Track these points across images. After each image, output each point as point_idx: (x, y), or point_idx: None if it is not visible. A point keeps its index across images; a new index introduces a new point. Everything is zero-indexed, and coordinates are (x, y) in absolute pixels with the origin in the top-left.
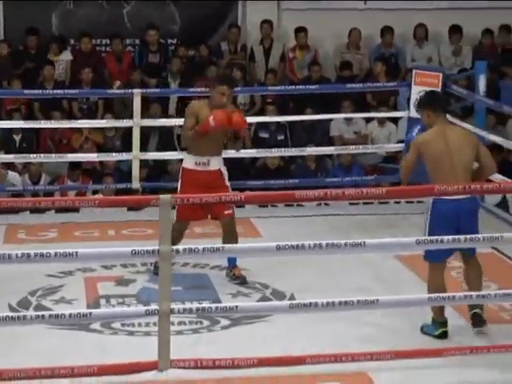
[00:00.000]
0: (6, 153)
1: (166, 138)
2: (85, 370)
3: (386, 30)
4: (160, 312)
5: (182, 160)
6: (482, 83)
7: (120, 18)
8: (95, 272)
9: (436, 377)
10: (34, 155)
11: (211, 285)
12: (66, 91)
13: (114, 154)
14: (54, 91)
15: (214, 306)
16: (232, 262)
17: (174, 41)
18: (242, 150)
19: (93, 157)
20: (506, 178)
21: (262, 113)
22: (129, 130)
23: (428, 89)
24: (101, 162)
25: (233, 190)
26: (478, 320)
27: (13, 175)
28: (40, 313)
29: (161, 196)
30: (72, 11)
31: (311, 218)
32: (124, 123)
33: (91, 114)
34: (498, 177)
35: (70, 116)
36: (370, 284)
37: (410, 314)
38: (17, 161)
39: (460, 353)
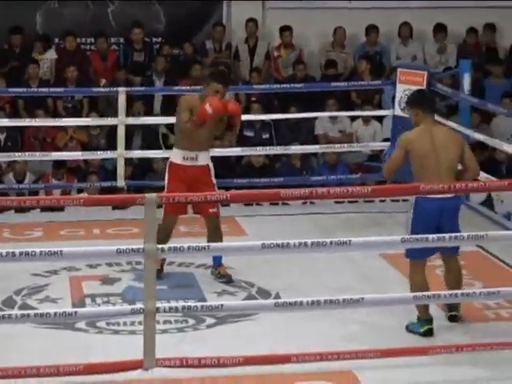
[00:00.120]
0: None
1: (150, 137)
2: (70, 368)
3: (371, 29)
4: (145, 311)
5: (167, 158)
6: (466, 82)
7: (105, 17)
8: (80, 271)
9: (421, 375)
10: (19, 154)
11: (196, 283)
12: (50, 89)
13: (98, 153)
14: (39, 89)
15: (199, 304)
16: (217, 261)
17: (159, 39)
18: (227, 149)
19: (77, 155)
20: (490, 177)
21: (246, 111)
22: (113, 128)
23: (413, 87)
24: (85, 161)
25: (218, 188)
26: (454, 321)
27: None
28: (25, 312)
29: (146, 195)
30: (57, 10)
31: (297, 216)
32: (109, 121)
33: (76, 113)
34: (482, 175)
35: (55, 115)
36: (355, 282)
37: (396, 313)
38: (1, 159)
39: (445, 351)
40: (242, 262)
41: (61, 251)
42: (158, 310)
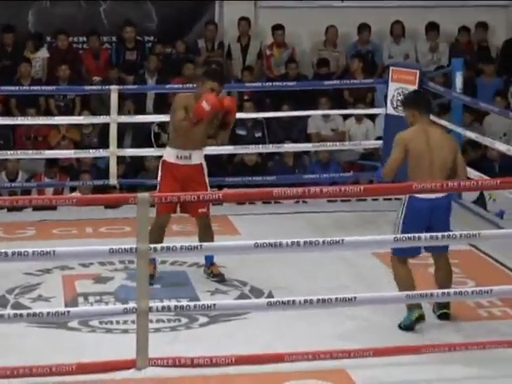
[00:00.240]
0: None
1: (141, 136)
2: (63, 368)
3: (363, 27)
4: (138, 310)
5: (159, 157)
6: (458, 80)
7: (97, 16)
8: (73, 270)
9: (415, 374)
10: (11, 152)
11: (189, 282)
12: (42, 88)
13: (91, 151)
14: (31, 88)
15: (192, 304)
16: (209, 260)
17: (151, 38)
18: (220, 147)
19: (70, 153)
20: (483, 175)
21: (239, 110)
22: (106, 127)
23: (405, 85)
24: (78, 159)
25: (210, 187)
26: (445, 319)
27: None
28: (18, 311)
29: (139, 194)
30: (48, 9)
31: (289, 215)
32: (101, 119)
33: (68, 112)
34: (475, 174)
35: (47, 113)
36: (348, 281)
37: (388, 311)
38: None
39: (438, 350)
40: (235, 261)
41: (53, 251)
42: (150, 309)
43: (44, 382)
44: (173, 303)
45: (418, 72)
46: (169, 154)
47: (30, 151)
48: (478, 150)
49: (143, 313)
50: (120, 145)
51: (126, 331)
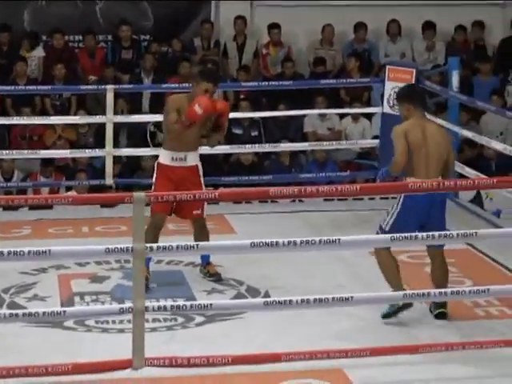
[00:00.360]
0: None
1: (136, 135)
2: (59, 368)
3: (359, 26)
4: (134, 310)
5: (155, 156)
6: (455, 79)
7: (93, 14)
8: (69, 269)
9: (412, 373)
10: (7, 151)
11: (185, 282)
12: (38, 87)
13: (87, 151)
14: (27, 87)
15: (188, 303)
16: (205, 259)
17: (147, 37)
18: (216, 147)
19: (66, 153)
20: (479, 174)
21: (235, 109)
22: (102, 126)
23: (401, 84)
24: (74, 159)
25: (206, 186)
26: (442, 318)
27: None
28: (13, 311)
29: (134, 193)
30: (44, 8)
31: (286, 214)
32: (97, 119)
33: (64, 111)
34: (471, 172)
35: (43, 112)
36: (344, 281)
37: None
38: None
39: (435, 349)
40: (232, 261)
41: (49, 250)
42: (146, 308)
43: (40, 382)
44: (169, 303)
45: (414, 71)
46: (164, 157)
47: (26, 151)
48: (474, 149)
49: (139, 312)
50: (116, 144)
51: (122, 331)
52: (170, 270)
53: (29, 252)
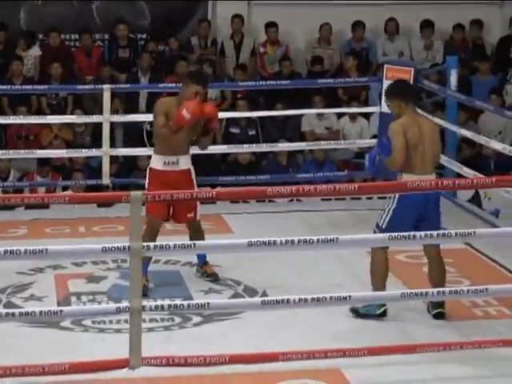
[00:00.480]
0: None
1: (131, 133)
2: (56, 367)
3: (357, 25)
4: (131, 309)
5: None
6: (453, 78)
7: (89, 13)
8: (66, 269)
9: (410, 373)
10: (3, 151)
11: (183, 282)
12: (34, 86)
13: (83, 150)
14: (23, 86)
15: (185, 303)
16: (202, 259)
17: (144, 36)
18: (213, 146)
19: (62, 153)
20: (477, 173)
21: (232, 108)
22: (98, 126)
23: None
24: (70, 158)
25: (204, 185)
26: (440, 318)
27: None
28: (10, 310)
29: (131, 192)
30: (40, 7)
31: (283, 213)
32: (94, 119)
33: (60, 110)
34: (470, 172)
35: (39, 112)
36: (342, 280)
37: None
38: None
39: (434, 349)
40: (229, 260)
41: (46, 249)
42: (144, 308)
43: (37, 381)
44: (166, 302)
45: (412, 70)
46: (155, 161)
47: (22, 150)
48: (473, 148)
49: (136, 312)
50: (112, 144)
51: (119, 331)
52: (167, 270)
53: (25, 251)
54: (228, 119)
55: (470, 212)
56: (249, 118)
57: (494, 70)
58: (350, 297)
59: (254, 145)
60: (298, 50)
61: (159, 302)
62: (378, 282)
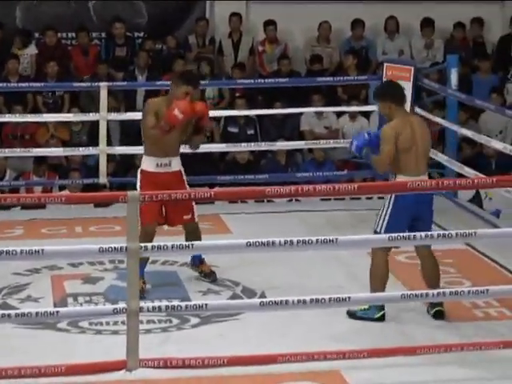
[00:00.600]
0: None
1: (129, 132)
2: (52, 369)
3: (357, 23)
4: (128, 310)
5: None
6: (454, 77)
7: (86, 11)
8: (62, 270)
9: (410, 375)
10: None
11: (180, 282)
12: (30, 84)
13: (80, 149)
14: (19, 84)
15: (183, 304)
16: (197, 258)
17: (141, 34)
18: (212, 145)
19: (59, 151)
20: (478, 173)
21: (231, 107)
22: (95, 124)
23: (400, 82)
24: (67, 157)
25: (202, 185)
26: (440, 317)
27: None
28: (6, 312)
29: (129, 192)
30: (37, 5)
31: (282, 213)
32: (90, 117)
33: (57, 109)
34: (471, 172)
35: (35, 111)
36: (342, 281)
37: None
38: None
39: (434, 351)
40: (227, 261)
41: (42, 250)
42: (141, 309)
43: (33, 383)
44: (164, 303)
45: (412, 68)
46: (147, 163)
47: (18, 149)
48: (473, 147)
49: (133, 313)
50: (109, 142)
51: (116, 332)
52: (164, 271)
53: (21, 252)
54: (226, 118)
55: (470, 212)
56: (247, 117)
57: (495, 68)
58: (349, 298)
59: (253, 144)
60: (297, 49)
61: (157, 304)
62: (377, 285)
